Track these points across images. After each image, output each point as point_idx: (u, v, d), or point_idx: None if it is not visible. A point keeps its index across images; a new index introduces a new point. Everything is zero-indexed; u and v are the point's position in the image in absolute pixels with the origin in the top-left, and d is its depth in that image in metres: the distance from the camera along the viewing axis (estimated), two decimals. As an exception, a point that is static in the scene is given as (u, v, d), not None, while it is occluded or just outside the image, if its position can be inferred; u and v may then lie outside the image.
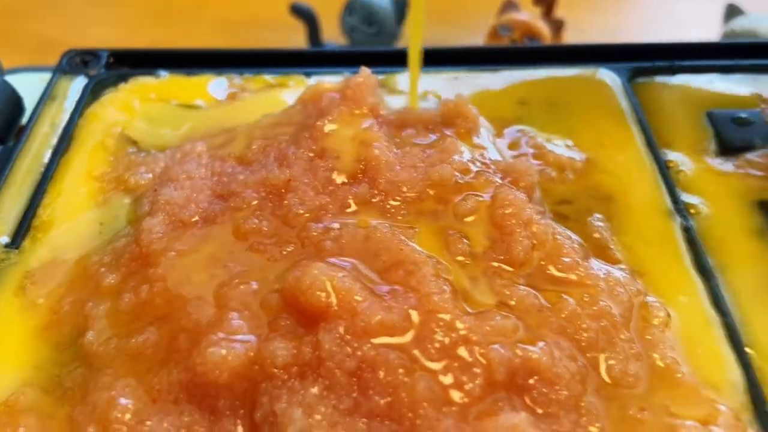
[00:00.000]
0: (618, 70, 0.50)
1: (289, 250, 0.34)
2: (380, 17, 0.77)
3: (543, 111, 0.46)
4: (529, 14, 0.79)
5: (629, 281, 0.34)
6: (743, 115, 0.47)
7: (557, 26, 0.82)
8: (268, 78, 0.49)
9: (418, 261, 0.32)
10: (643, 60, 0.50)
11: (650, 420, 0.29)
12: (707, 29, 0.84)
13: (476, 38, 0.86)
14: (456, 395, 0.28)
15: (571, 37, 0.85)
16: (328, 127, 0.39)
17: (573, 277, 0.34)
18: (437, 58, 0.50)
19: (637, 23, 0.91)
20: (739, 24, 0.78)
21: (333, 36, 0.85)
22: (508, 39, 0.79)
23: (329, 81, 0.44)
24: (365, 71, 0.42)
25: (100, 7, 1.04)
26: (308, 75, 0.50)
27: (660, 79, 0.50)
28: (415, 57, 0.43)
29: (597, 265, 0.35)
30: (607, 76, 0.49)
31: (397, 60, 0.50)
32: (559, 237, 0.35)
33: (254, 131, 0.41)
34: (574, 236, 0.36)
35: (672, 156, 0.44)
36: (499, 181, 0.37)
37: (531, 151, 0.42)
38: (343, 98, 0.40)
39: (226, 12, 0.97)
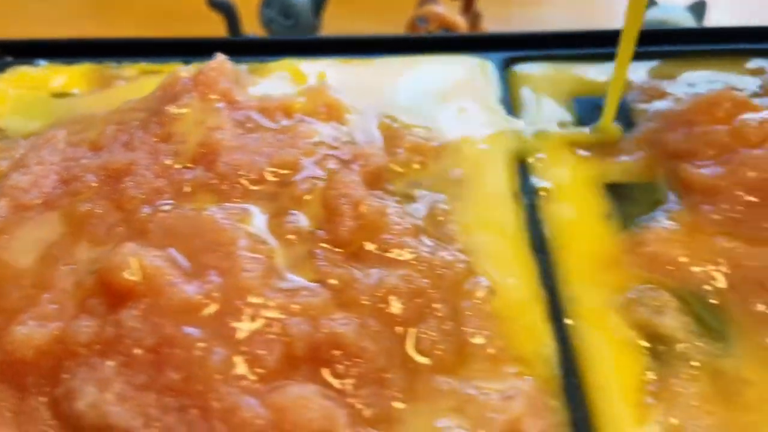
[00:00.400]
0: (493, 58, 0.50)
1: (115, 232, 0.34)
2: (297, 9, 0.78)
3: (412, 97, 0.47)
4: (445, 7, 0.80)
5: (457, 260, 0.35)
6: (610, 101, 0.47)
7: (475, 19, 0.82)
8: (146, 66, 0.50)
9: (236, 240, 0.32)
10: (519, 48, 0.51)
11: (452, 390, 0.30)
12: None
13: (398, 29, 0.86)
14: (252, 369, 0.29)
15: (492, 29, 0.86)
16: (177, 112, 0.39)
17: (398, 256, 0.34)
18: (318, 47, 0.51)
19: (556, 15, 0.92)
20: (651, 14, 0.80)
21: (254, 29, 0.85)
22: (425, 30, 0.79)
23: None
24: (220, 58, 0.42)
25: (43, 3, 1.04)
26: (187, 63, 0.50)
27: (533, 67, 0.50)
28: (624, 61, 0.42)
29: (426, 245, 0.35)
30: (481, 64, 0.50)
31: (271, 48, 0.51)
32: (390, 218, 0.35)
33: (112, 117, 0.42)
34: (412, 218, 0.37)
35: (532, 142, 0.45)
36: (343, 164, 0.38)
37: (380, 135, 0.42)
38: (195, 84, 0.40)
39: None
